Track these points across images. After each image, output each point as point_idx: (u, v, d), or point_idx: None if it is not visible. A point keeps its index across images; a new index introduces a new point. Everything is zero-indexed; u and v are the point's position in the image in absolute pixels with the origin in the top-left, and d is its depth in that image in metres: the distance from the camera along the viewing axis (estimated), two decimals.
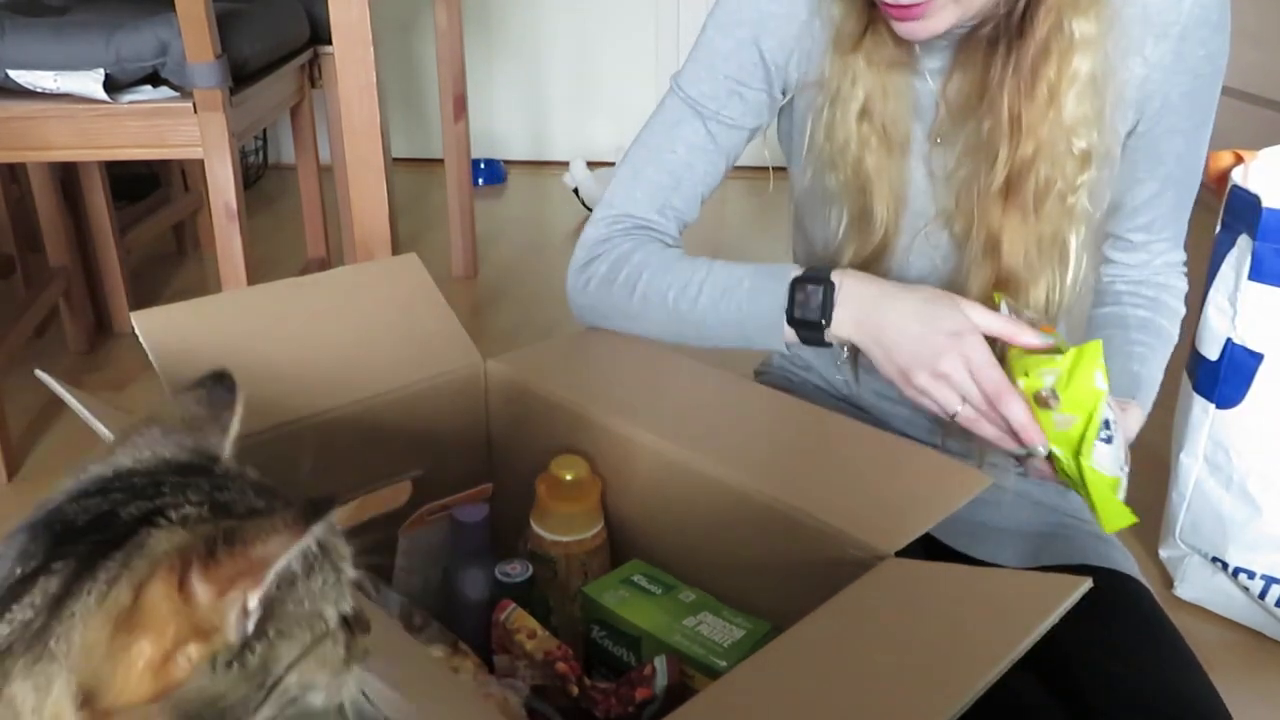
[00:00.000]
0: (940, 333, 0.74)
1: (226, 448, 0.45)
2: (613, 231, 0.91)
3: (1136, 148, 0.85)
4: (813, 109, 0.85)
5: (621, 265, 0.89)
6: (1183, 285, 0.94)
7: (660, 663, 0.66)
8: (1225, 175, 1.19)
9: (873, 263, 0.86)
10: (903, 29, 0.76)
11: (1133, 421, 0.80)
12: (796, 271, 0.82)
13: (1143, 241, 0.91)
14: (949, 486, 0.70)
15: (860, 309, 0.78)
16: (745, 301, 0.83)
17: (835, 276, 0.80)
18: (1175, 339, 0.92)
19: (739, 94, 0.88)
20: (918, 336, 0.75)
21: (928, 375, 0.74)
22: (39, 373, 0.64)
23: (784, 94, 0.90)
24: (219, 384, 0.48)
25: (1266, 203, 1.11)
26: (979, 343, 0.73)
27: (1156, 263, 0.92)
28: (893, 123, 0.82)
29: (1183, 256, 0.94)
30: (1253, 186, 1.13)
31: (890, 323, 0.77)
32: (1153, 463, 1.53)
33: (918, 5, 0.72)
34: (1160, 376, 0.89)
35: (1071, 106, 0.76)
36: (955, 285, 0.84)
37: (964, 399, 0.74)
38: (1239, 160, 1.17)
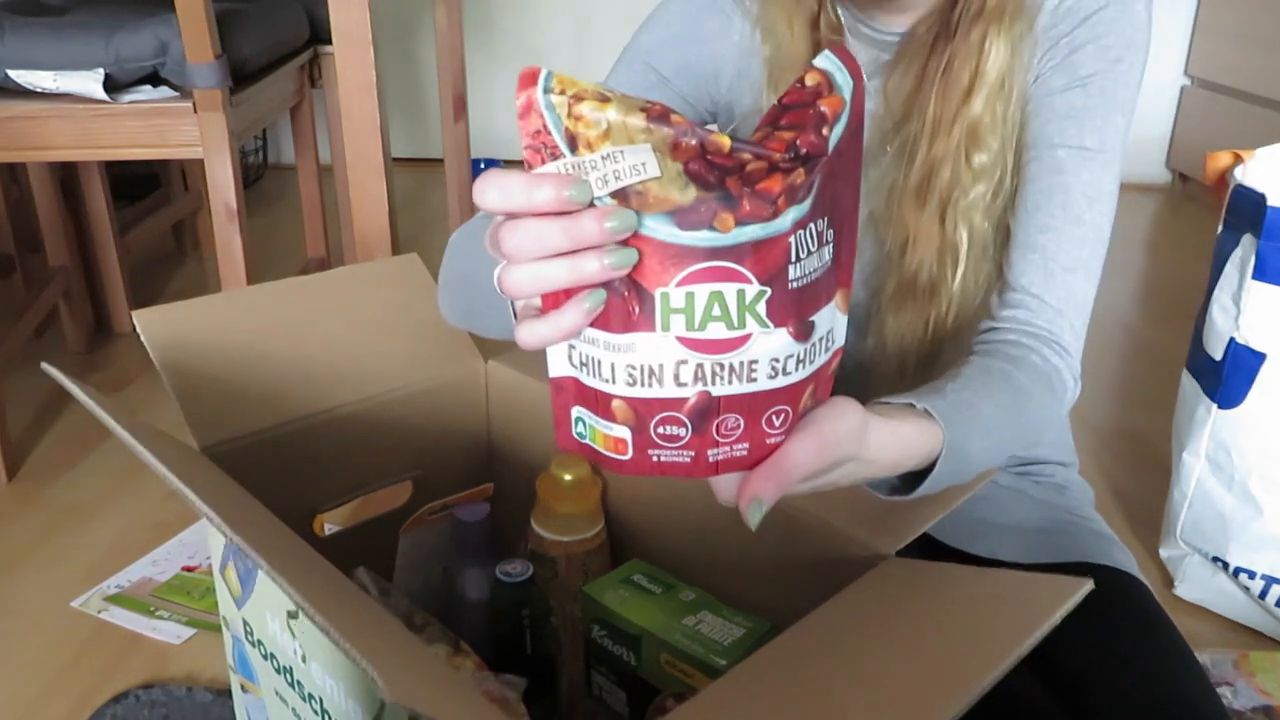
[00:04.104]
0: None
1: None
2: None
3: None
4: None
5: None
6: (1056, 359, 0.75)
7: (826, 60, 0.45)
8: (1224, 176, 1.18)
9: None
10: (886, 6, 0.77)
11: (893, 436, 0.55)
12: None
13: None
14: None
15: None
16: None
17: None
18: (1032, 395, 0.70)
19: (656, 87, 0.85)
20: None
21: None
22: (45, 365, 0.64)
23: (711, 115, 0.88)
24: None
25: (1272, 201, 1.10)
26: None
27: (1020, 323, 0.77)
28: None
29: (1064, 338, 0.76)
30: (1258, 185, 1.13)
31: None
32: (1153, 462, 1.53)
33: None
34: (985, 408, 0.64)
35: (978, 110, 0.76)
36: (876, 288, 0.84)
37: None
38: (1238, 160, 1.17)
